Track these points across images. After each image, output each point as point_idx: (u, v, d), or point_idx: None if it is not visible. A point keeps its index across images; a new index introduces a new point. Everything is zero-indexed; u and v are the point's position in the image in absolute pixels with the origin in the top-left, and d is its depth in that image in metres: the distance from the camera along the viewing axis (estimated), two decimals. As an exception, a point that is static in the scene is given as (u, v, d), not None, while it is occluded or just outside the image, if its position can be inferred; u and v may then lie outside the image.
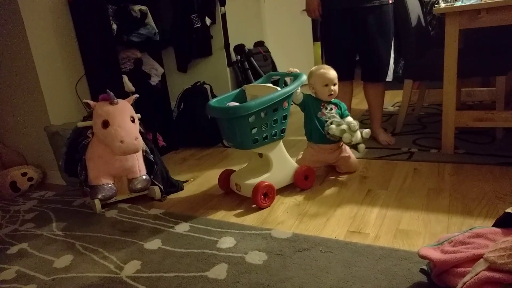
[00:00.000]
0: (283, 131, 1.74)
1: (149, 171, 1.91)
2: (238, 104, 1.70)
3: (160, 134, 2.73)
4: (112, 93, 1.71)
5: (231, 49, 3.78)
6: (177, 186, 2.01)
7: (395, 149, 2.23)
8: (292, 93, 1.70)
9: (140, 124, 1.89)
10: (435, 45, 2.51)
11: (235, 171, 1.88)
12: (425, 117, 2.85)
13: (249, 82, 3.79)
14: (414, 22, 2.32)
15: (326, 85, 1.86)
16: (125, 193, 1.90)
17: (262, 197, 1.65)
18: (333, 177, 1.96)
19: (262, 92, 1.74)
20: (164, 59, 3.57)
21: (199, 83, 3.03)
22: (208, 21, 3.51)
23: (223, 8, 3.58)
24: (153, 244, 1.48)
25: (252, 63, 3.92)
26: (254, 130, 1.62)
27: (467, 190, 1.65)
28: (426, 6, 2.45)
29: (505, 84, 2.11)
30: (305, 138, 2.01)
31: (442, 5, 1.91)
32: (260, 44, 4.22)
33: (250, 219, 1.61)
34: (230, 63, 3.72)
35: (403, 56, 2.39)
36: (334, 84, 1.87)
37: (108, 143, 1.67)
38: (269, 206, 1.69)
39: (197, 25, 3.45)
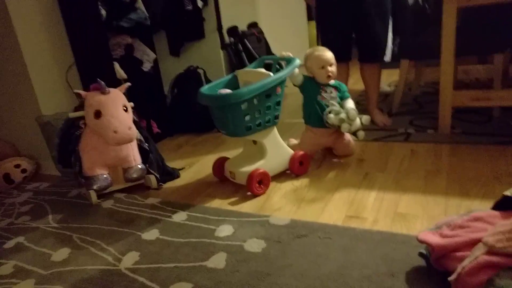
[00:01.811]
0: (276, 117, 1.71)
1: (144, 160, 1.89)
2: (230, 91, 1.66)
3: (155, 120, 2.70)
4: (103, 82, 1.67)
5: (224, 31, 3.71)
6: (173, 174, 1.99)
7: (391, 131, 2.21)
8: (285, 79, 1.66)
9: (133, 113, 1.86)
10: (431, 23, 2.47)
11: (229, 158, 1.86)
12: (421, 96, 2.83)
13: (243, 64, 3.73)
14: (411, 0, 2.27)
15: (323, 67, 1.83)
16: (121, 182, 1.89)
17: (257, 185, 1.64)
18: (330, 161, 1.94)
19: (254, 77, 1.70)
20: (156, 43, 3.49)
21: (192, 68, 2.98)
22: (200, 3, 3.42)
23: (215, -11, 3.49)
24: (151, 234, 1.48)
25: (246, 45, 3.86)
26: (247, 117, 1.59)
27: (464, 171, 1.64)
28: (422, -17, 2.39)
29: (503, 62, 2.08)
30: (301, 121, 1.99)
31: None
32: (253, 25, 4.14)
33: (247, 206, 1.60)
34: (223, 46, 3.65)
35: (399, 35, 2.35)
36: (331, 65, 1.84)
37: (102, 133, 1.64)
38: (264, 193, 1.68)
39: (189, 7, 3.37)
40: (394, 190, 1.57)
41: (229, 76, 1.83)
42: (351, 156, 1.96)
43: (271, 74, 1.66)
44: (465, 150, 1.84)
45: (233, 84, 1.82)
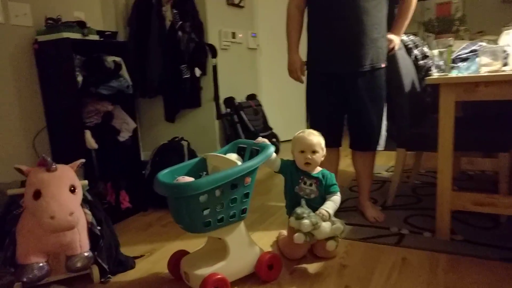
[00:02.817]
0: (243, 211, 1.47)
1: (94, 246, 1.64)
2: (189, 179, 1.45)
3: (128, 193, 2.48)
4: (49, 158, 1.48)
5: (221, 101, 3.63)
6: (126, 265, 1.72)
7: (383, 229, 1.95)
8: (255, 169, 1.46)
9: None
10: (430, 111, 2.31)
11: (187, 253, 1.60)
12: (420, 187, 2.59)
13: (238, 136, 3.59)
14: (407, 88, 2.12)
15: (302, 152, 1.63)
16: (62, 272, 1.62)
17: None
18: (306, 265, 1.66)
19: (223, 164, 1.50)
20: (153, 107, 3.42)
21: (176, 139, 2.82)
22: (198, 72, 3.38)
23: (214, 59, 3.46)
24: None
25: (242, 117, 3.75)
26: (206, 211, 1.36)
27: (464, 297, 1.35)
28: (421, 71, 2.26)
29: (509, 160, 1.86)
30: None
31: (436, 74, 1.71)
32: (252, 97, 4.07)
33: (197, 321, 1.32)
34: (219, 116, 3.56)
35: (395, 123, 2.17)
36: (314, 152, 1.62)
37: (38, 217, 1.42)
38: (220, 304, 1.39)
39: (186, 76, 3.32)
40: (376, 317, 1.28)
41: (197, 159, 1.64)
42: (333, 259, 1.68)
43: (239, 162, 1.46)
44: (467, 264, 1.56)
45: (201, 168, 1.62)
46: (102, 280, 1.63)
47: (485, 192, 1.72)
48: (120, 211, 2.36)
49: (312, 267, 1.63)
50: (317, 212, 1.52)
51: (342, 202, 2.34)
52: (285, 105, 4.66)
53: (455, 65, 1.75)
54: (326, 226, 1.49)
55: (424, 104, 2.31)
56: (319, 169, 1.66)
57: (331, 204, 1.58)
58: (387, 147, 2.34)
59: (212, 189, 1.34)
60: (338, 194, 1.64)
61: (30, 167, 1.52)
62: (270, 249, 1.83)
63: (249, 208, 1.50)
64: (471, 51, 1.99)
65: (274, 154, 1.61)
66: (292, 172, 1.67)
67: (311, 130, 1.69)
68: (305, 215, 1.48)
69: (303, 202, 1.56)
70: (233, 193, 1.41)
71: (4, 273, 1.57)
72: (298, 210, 1.51)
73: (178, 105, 3.50)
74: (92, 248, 1.63)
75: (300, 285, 1.50)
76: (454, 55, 1.94)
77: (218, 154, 1.60)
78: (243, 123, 3.74)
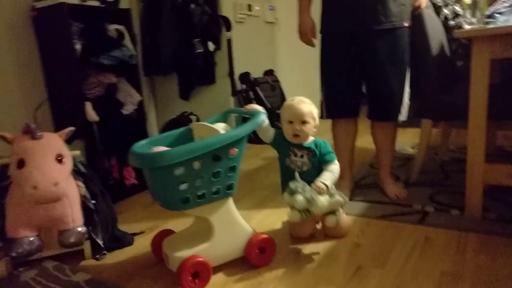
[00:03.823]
0: (230, 187, 1.30)
1: (88, 221, 1.54)
2: (165, 149, 1.29)
3: (135, 169, 2.37)
4: (33, 125, 1.37)
5: (236, 77, 3.47)
6: (122, 241, 1.62)
7: (405, 206, 1.76)
8: (242, 138, 1.29)
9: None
10: (461, 78, 2.06)
11: (173, 233, 1.47)
12: (450, 163, 2.36)
13: (254, 113, 3.44)
14: (435, 50, 1.89)
15: (290, 122, 1.44)
16: (56, 247, 1.53)
17: (190, 278, 1.21)
18: (316, 243, 1.50)
19: (208, 133, 1.34)
20: (168, 85, 3.27)
21: (185, 114, 2.70)
22: (211, 46, 3.22)
23: (228, 33, 3.29)
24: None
25: (258, 93, 3.59)
26: (184, 186, 1.20)
27: (497, 281, 1.16)
28: (451, 31, 2.01)
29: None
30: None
31: (467, 27, 1.48)
32: (269, 72, 3.89)
33: (189, 302, 1.20)
34: (234, 92, 3.39)
35: (420, 90, 1.94)
36: (303, 122, 1.43)
37: (21, 188, 1.32)
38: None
39: (200, 50, 3.16)
40: (391, 302, 1.11)
41: (183, 129, 1.49)
42: (345, 238, 1.52)
43: (222, 131, 1.30)
44: (500, 246, 1.36)
45: (187, 139, 1.46)
46: (97, 256, 1.54)
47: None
48: (126, 187, 2.27)
49: (321, 246, 1.47)
50: (313, 185, 1.34)
51: (361, 179, 2.19)
52: (304, 81, 4.44)
53: (492, 17, 1.51)
54: (323, 200, 1.31)
55: (454, 69, 2.06)
56: (311, 138, 1.48)
57: (328, 175, 1.39)
58: (413, 123, 2.13)
59: (189, 161, 1.18)
60: (336, 162, 1.45)
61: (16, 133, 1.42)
62: (281, 226, 1.69)
63: (237, 184, 1.32)
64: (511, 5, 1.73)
65: (266, 122, 1.44)
66: (283, 144, 1.50)
67: (302, 98, 1.48)
68: (299, 189, 1.31)
69: (296, 175, 1.37)
70: (216, 166, 1.24)
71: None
72: (292, 184, 1.33)
73: (192, 82, 3.35)
74: (86, 223, 1.53)
75: (306, 265, 1.35)
76: (491, 10, 1.68)
77: (203, 123, 1.44)
78: (259, 99, 3.58)
